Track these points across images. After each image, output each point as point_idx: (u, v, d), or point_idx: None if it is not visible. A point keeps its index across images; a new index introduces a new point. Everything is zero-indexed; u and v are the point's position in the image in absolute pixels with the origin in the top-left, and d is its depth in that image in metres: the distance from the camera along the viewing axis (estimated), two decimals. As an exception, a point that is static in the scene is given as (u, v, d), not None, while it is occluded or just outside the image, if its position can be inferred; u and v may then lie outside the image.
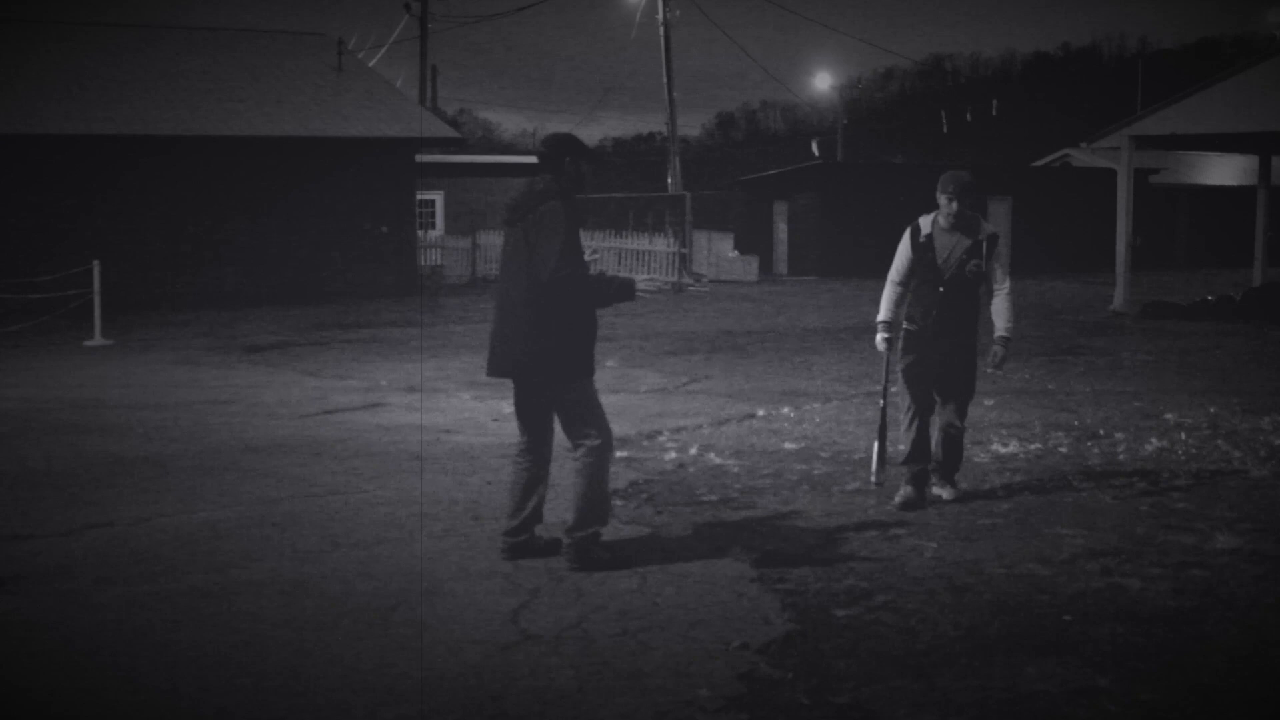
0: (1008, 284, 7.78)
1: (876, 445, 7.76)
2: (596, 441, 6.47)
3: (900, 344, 7.80)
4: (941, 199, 7.64)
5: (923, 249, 7.70)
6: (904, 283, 7.79)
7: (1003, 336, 7.75)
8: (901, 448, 7.84)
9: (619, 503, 7.88)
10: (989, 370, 7.86)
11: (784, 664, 5.11)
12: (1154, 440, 9.86)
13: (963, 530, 7.15)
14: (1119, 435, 10.09)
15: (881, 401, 7.89)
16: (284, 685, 4.92)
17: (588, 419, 6.49)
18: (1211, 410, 11.33)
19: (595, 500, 6.47)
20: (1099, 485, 8.32)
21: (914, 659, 5.15)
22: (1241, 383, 13.40)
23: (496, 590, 6.07)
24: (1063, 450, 9.51)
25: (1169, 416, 11.02)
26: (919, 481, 7.76)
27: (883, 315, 7.82)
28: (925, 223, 7.77)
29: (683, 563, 6.51)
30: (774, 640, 5.37)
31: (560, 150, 6.57)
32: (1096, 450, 9.52)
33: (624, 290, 6.56)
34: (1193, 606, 5.80)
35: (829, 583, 6.17)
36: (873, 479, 7.80)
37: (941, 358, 7.71)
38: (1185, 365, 15.00)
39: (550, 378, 6.47)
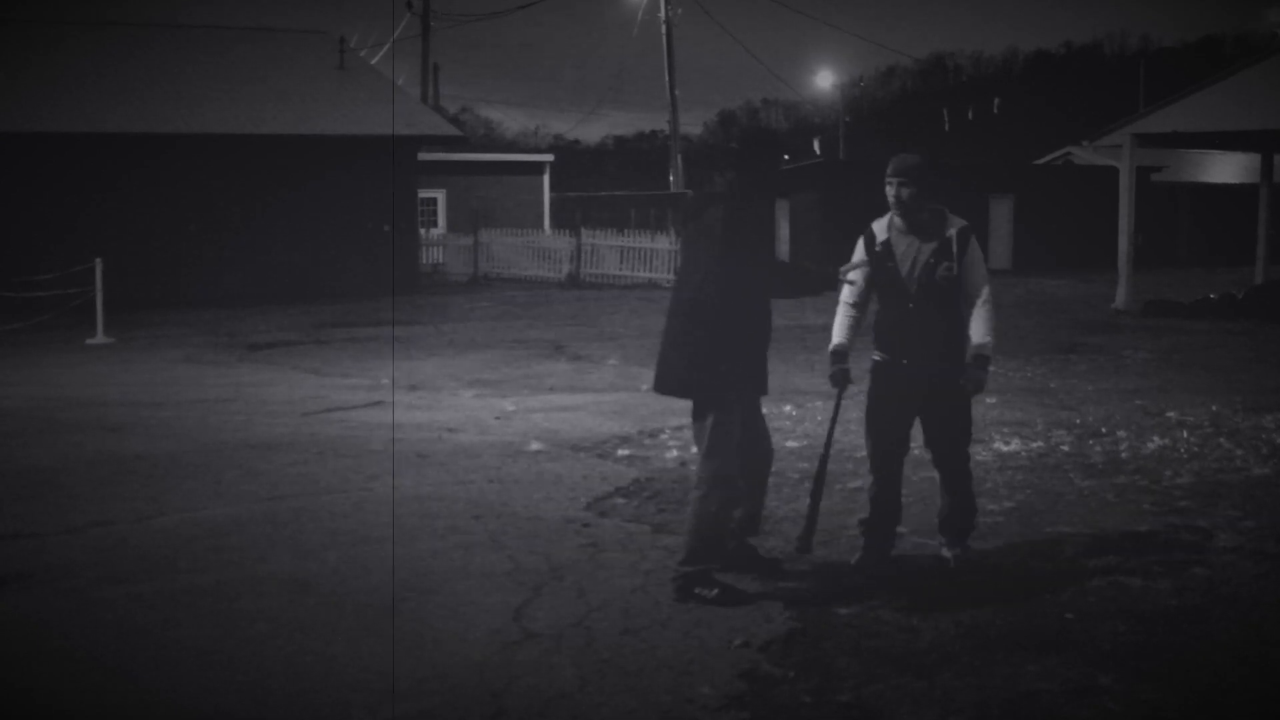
0: (987, 288, 6.24)
1: (810, 503, 6.39)
2: (706, 474, 5.97)
3: (869, 379, 6.51)
4: (887, 189, 6.28)
5: (880, 258, 6.32)
6: (859, 304, 6.46)
7: (979, 355, 6.22)
8: (815, 504, 6.43)
9: (620, 501, 7.88)
10: (965, 396, 6.32)
11: (785, 662, 5.11)
12: (1156, 438, 9.86)
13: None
14: (1121, 433, 10.09)
15: (825, 449, 6.50)
16: (285, 684, 4.92)
17: (711, 450, 5.96)
18: (1213, 408, 11.32)
19: (701, 535, 5.93)
20: (1101, 483, 8.31)
21: (915, 657, 5.15)
22: (1243, 381, 13.39)
23: (498, 589, 6.07)
24: (1065, 448, 9.51)
25: (1171, 414, 11.01)
26: (879, 543, 6.46)
27: (835, 342, 6.49)
28: (880, 227, 6.39)
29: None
30: (775, 638, 5.37)
31: (750, 148, 6.21)
32: (1098, 448, 9.51)
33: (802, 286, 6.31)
34: (1195, 605, 5.80)
35: (830, 581, 6.16)
36: (796, 544, 6.37)
37: (925, 395, 6.28)
38: (1187, 363, 14.99)
39: (693, 395, 6.08)
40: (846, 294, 6.46)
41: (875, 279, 6.40)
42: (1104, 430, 10.24)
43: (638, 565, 6.41)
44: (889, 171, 6.27)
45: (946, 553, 6.50)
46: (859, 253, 6.46)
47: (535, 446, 9.64)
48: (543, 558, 6.57)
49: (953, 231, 6.25)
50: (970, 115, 61.66)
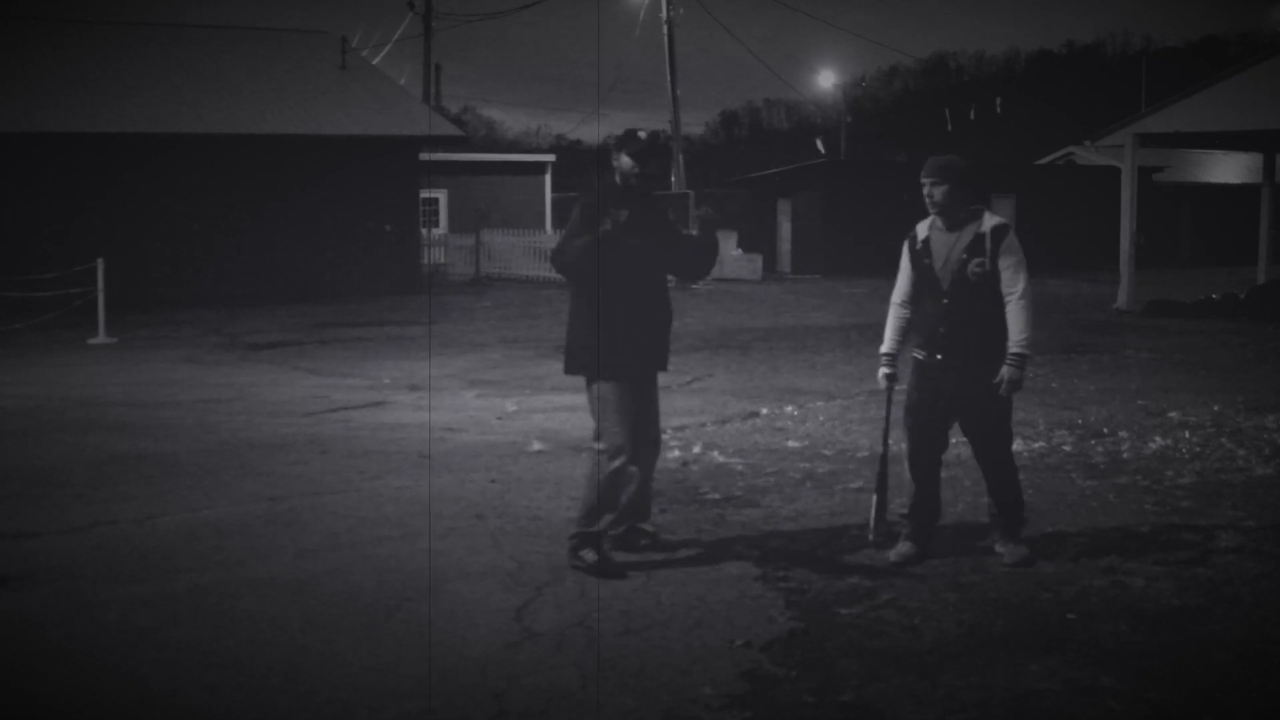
0: (1021, 285, 6.29)
1: (875, 498, 6.63)
2: (600, 446, 6.46)
3: (909, 376, 6.61)
4: (922, 190, 6.41)
5: (919, 256, 6.48)
6: (908, 303, 6.58)
7: (1015, 354, 6.29)
8: (902, 499, 6.67)
9: (622, 500, 7.86)
10: (1002, 394, 6.39)
11: (787, 662, 5.10)
12: (1158, 438, 9.85)
13: (966, 528, 7.13)
14: (1123, 433, 10.08)
15: (882, 447, 6.75)
16: (286, 684, 4.92)
17: (601, 422, 6.47)
18: (1215, 408, 11.31)
19: (587, 504, 6.46)
20: (1103, 483, 8.30)
21: (917, 657, 5.15)
22: (1245, 381, 13.38)
23: (499, 588, 6.07)
24: (1066, 448, 9.50)
25: (1173, 415, 11.01)
26: (919, 537, 6.58)
27: (885, 345, 6.64)
28: (922, 228, 6.54)
29: (686, 561, 6.51)
30: (777, 638, 5.36)
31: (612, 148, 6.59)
32: (1100, 448, 9.51)
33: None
34: (1196, 605, 5.79)
35: (832, 581, 6.16)
36: (870, 535, 6.64)
37: (956, 391, 6.40)
38: (1189, 363, 14.98)
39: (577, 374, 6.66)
40: (895, 294, 6.63)
41: (915, 277, 6.54)
42: (1106, 430, 10.23)
43: (639, 565, 6.41)
44: (922, 173, 6.42)
45: (1000, 549, 6.54)
46: (903, 252, 6.61)
47: (537, 446, 9.64)
48: (544, 557, 6.56)
49: (987, 228, 6.35)
50: (972, 115, 61.66)
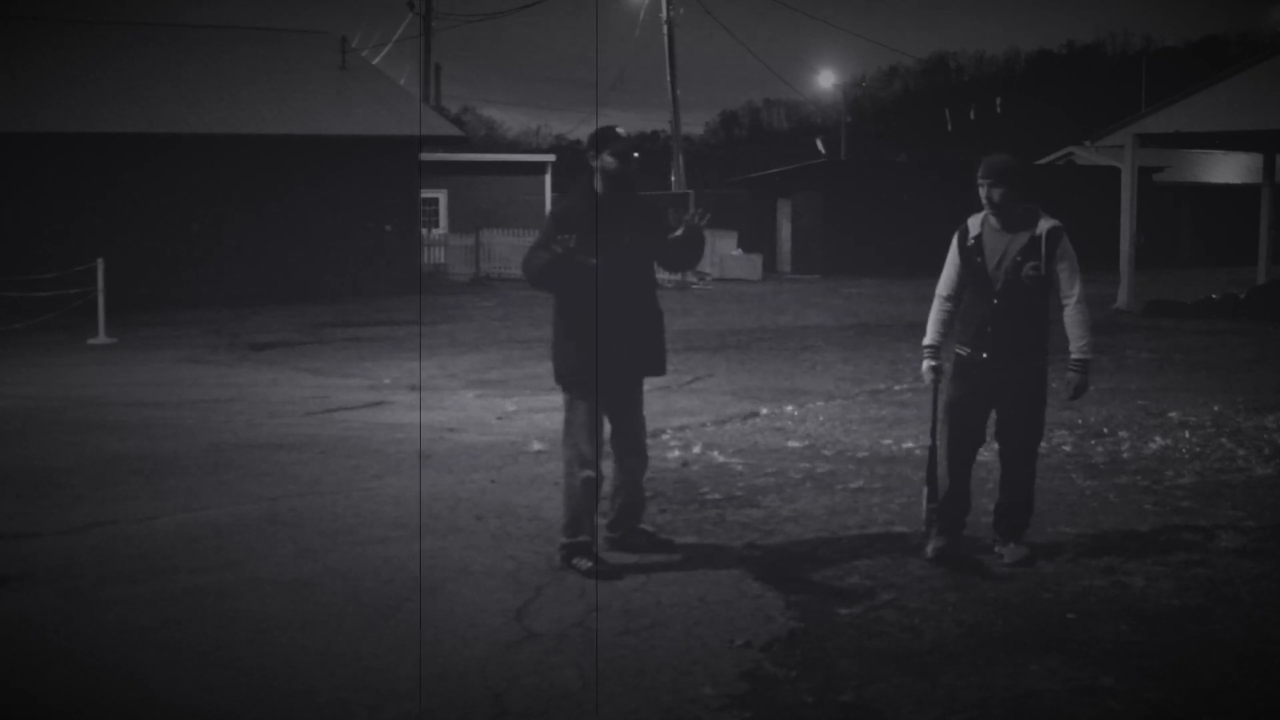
0: (1078, 289, 6.37)
1: (926, 490, 6.58)
2: (563, 455, 6.63)
3: (949, 371, 6.55)
4: (980, 190, 6.38)
5: (970, 254, 6.41)
6: (954, 297, 6.52)
7: (1078, 359, 6.44)
8: (933, 491, 6.58)
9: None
10: (1066, 401, 6.68)
11: (787, 662, 5.10)
12: (1158, 438, 9.85)
13: (965, 528, 7.13)
14: (1123, 433, 10.08)
15: (931, 441, 6.73)
16: (286, 684, 4.91)
17: (566, 430, 6.60)
18: (1215, 408, 11.31)
19: (565, 515, 6.52)
20: (1103, 483, 8.30)
21: (917, 657, 5.15)
22: (1245, 381, 13.38)
23: (499, 588, 6.07)
24: (1066, 448, 9.50)
25: (1173, 415, 11.00)
26: (952, 531, 6.56)
27: (929, 338, 6.57)
28: (974, 223, 6.47)
29: (686, 561, 6.51)
30: (777, 638, 5.36)
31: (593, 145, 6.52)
32: (1100, 448, 9.50)
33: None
34: (1196, 605, 5.79)
35: (832, 581, 6.16)
36: (924, 527, 6.60)
37: (997, 387, 6.44)
38: (1189, 363, 14.98)
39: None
40: (942, 287, 6.57)
41: (965, 275, 6.48)
42: (1106, 430, 10.23)
43: (639, 565, 6.41)
44: (979, 174, 6.38)
45: (1000, 549, 6.55)
46: (952, 247, 6.55)
47: (537, 446, 9.64)
48: (544, 558, 6.56)
49: (1042, 231, 6.34)
50: (972, 115, 61.67)
